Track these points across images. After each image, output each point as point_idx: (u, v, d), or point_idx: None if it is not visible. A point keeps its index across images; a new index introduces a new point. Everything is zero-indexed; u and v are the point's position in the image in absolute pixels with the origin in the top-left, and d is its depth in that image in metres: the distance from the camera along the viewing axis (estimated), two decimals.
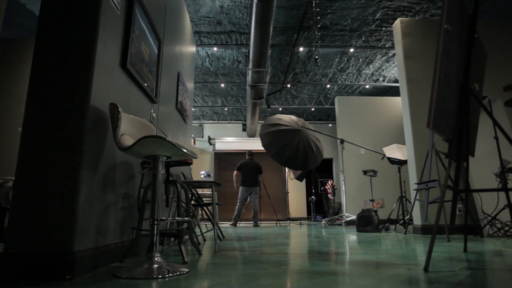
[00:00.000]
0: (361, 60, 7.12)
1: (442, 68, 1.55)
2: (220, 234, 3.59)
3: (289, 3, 5.10)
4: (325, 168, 11.73)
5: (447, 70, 1.64)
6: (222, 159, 10.74)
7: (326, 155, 10.66)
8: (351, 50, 6.53)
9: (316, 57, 5.00)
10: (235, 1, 5.07)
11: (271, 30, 4.89)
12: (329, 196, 9.94)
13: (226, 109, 10.17)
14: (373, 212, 4.20)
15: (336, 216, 6.23)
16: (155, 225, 1.59)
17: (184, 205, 2.88)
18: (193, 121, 11.04)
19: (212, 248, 2.48)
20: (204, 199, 5.15)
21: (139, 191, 2.05)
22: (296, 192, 10.74)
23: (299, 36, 5.84)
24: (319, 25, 5.48)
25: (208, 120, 11.15)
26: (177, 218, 1.73)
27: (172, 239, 3.07)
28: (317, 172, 10.94)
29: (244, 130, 11.14)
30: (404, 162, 4.31)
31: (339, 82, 8.06)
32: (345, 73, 7.78)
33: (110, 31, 1.77)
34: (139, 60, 2.20)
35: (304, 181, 10.60)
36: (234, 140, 10.82)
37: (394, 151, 4.43)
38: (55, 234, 1.37)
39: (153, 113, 2.55)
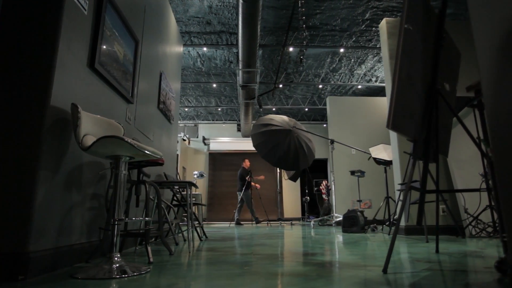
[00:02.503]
0: (353, 60, 7.11)
1: (402, 68, 1.54)
2: (203, 234, 3.59)
3: (277, 3, 5.10)
4: (321, 169, 11.72)
5: (410, 70, 1.63)
6: (217, 159, 10.74)
7: (321, 155, 10.65)
8: (341, 50, 6.53)
9: (301, 57, 4.99)
10: (223, 1, 5.07)
11: (258, 30, 4.89)
12: (323, 196, 9.93)
13: (220, 109, 10.17)
14: (359, 213, 4.19)
15: (326, 217, 6.22)
16: (116, 225, 1.59)
17: (170, 205, 2.88)
18: (188, 121, 11.04)
19: (188, 249, 2.48)
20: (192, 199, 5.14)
21: (107, 191, 2.05)
22: (290, 192, 10.73)
23: (288, 36, 5.84)
24: (305, 25, 5.47)
25: (202, 120, 11.16)
26: (138, 218, 1.73)
27: (153, 239, 3.07)
28: (313, 173, 10.93)
29: (239, 130, 11.14)
30: (390, 162, 4.30)
31: (332, 82, 8.06)
32: (337, 73, 7.78)
33: (76, 32, 1.77)
34: (111, 60, 2.20)
35: (298, 181, 10.59)
36: (228, 140, 10.82)
37: (380, 152, 4.42)
38: (7, 234, 1.37)
39: (128, 113, 2.55)
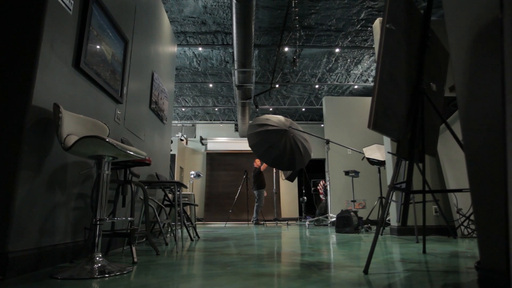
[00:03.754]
0: (349, 60, 7.11)
1: (384, 68, 1.54)
2: (195, 234, 3.59)
3: (272, 3, 5.10)
4: (318, 169, 11.71)
5: (392, 70, 1.63)
6: (214, 159, 10.74)
7: (318, 155, 10.64)
8: (337, 50, 6.52)
9: (294, 57, 4.98)
10: (218, 1, 5.07)
11: (253, 30, 4.89)
12: (321, 196, 9.92)
13: (217, 109, 10.17)
14: (352, 213, 4.19)
15: (321, 217, 6.22)
16: (98, 226, 1.58)
17: (161, 205, 2.88)
18: (186, 121, 11.04)
19: (176, 249, 2.48)
20: (183, 199, 5.15)
21: (93, 191, 2.05)
22: (288, 192, 10.72)
23: (283, 36, 5.83)
24: (299, 26, 5.46)
25: (200, 120, 11.16)
26: (124, 218, 1.72)
27: (144, 239, 3.07)
28: (310, 173, 10.92)
29: (236, 130, 11.14)
30: (383, 162, 4.29)
31: (329, 82, 8.06)
32: (334, 73, 7.77)
33: (60, 32, 1.77)
34: (98, 60, 2.19)
35: (296, 181, 10.58)
36: (226, 140, 10.81)
37: (374, 152, 4.42)
38: None
39: (118, 113, 2.55)
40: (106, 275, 1.47)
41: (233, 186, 10.34)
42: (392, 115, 1.65)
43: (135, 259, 1.82)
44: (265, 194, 7.55)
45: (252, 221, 7.43)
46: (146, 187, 2.76)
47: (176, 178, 9.36)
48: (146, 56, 3.27)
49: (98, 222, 1.58)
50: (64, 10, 1.81)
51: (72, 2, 1.90)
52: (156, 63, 3.63)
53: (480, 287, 0.94)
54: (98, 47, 2.18)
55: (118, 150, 1.55)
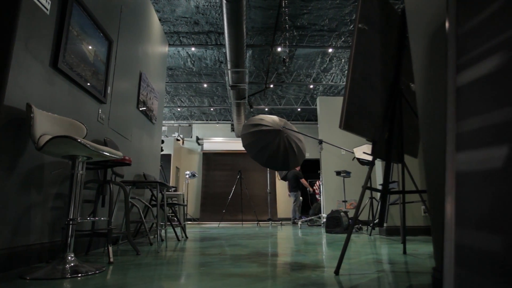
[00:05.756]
0: (343, 60, 7.10)
1: (356, 68, 1.54)
2: (183, 234, 3.59)
3: (264, 3, 5.09)
4: (315, 169, 11.69)
5: (366, 70, 1.62)
6: (211, 159, 10.74)
7: (315, 155, 10.63)
8: (330, 50, 6.52)
9: (284, 57, 4.97)
10: (210, 1, 5.07)
11: (244, 30, 4.88)
12: (317, 196, 9.92)
13: (212, 109, 10.17)
14: (342, 213, 4.18)
15: (314, 217, 6.21)
16: (70, 226, 1.58)
17: (148, 205, 2.88)
18: (182, 121, 11.04)
19: (158, 249, 2.47)
20: (172, 199, 5.14)
21: None
22: (284, 192, 10.70)
23: (276, 36, 5.83)
24: (288, 26, 5.46)
25: (196, 120, 11.15)
26: (92, 218, 1.72)
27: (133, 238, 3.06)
28: (307, 173, 10.90)
29: (233, 130, 11.13)
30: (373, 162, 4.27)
31: (324, 82, 8.05)
32: (328, 74, 7.76)
33: (36, 32, 1.77)
34: (79, 60, 2.19)
35: None
36: (222, 140, 10.81)
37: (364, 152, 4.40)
38: None
39: (101, 114, 2.54)
40: (78, 275, 1.47)
41: (229, 186, 10.33)
42: (366, 115, 1.64)
43: (111, 259, 1.82)
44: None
45: (292, 221, 7.55)
46: (130, 187, 2.76)
47: (172, 178, 9.36)
48: (133, 56, 3.27)
49: (70, 222, 1.58)
50: (40, 10, 1.81)
51: (50, 2, 1.89)
52: (145, 63, 3.62)
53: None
54: (78, 47, 2.18)
55: (90, 150, 1.55)
